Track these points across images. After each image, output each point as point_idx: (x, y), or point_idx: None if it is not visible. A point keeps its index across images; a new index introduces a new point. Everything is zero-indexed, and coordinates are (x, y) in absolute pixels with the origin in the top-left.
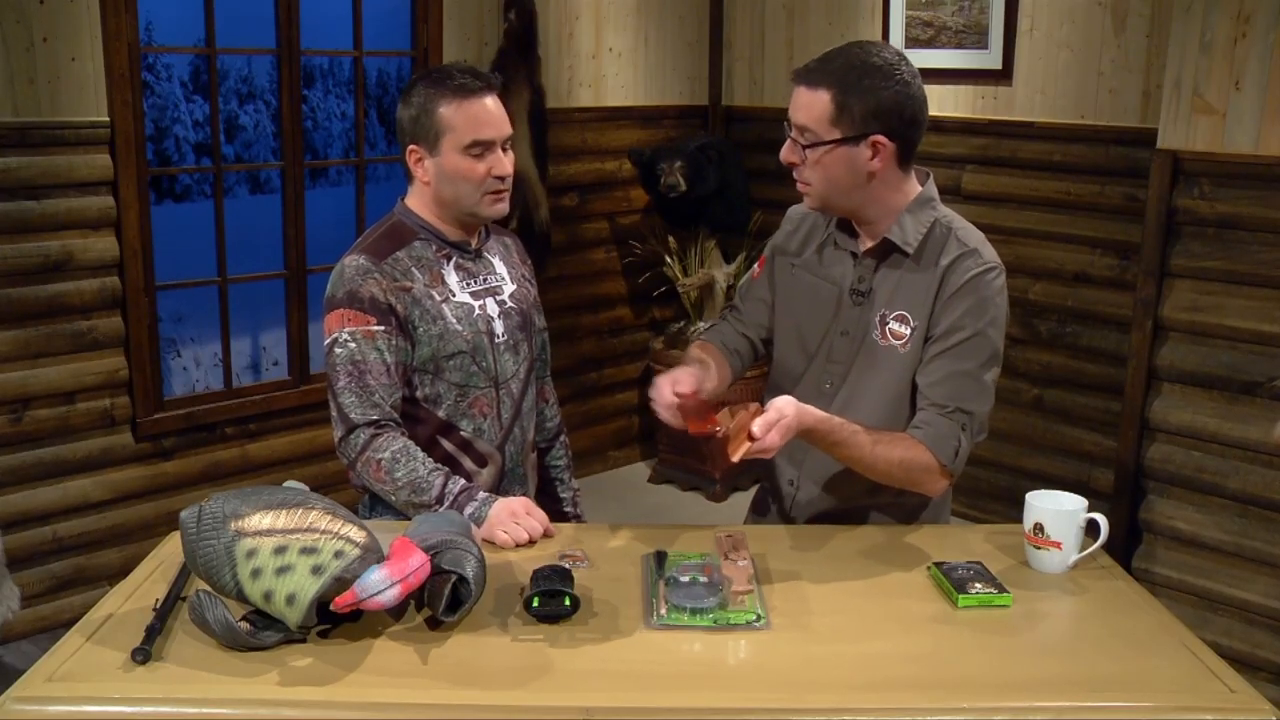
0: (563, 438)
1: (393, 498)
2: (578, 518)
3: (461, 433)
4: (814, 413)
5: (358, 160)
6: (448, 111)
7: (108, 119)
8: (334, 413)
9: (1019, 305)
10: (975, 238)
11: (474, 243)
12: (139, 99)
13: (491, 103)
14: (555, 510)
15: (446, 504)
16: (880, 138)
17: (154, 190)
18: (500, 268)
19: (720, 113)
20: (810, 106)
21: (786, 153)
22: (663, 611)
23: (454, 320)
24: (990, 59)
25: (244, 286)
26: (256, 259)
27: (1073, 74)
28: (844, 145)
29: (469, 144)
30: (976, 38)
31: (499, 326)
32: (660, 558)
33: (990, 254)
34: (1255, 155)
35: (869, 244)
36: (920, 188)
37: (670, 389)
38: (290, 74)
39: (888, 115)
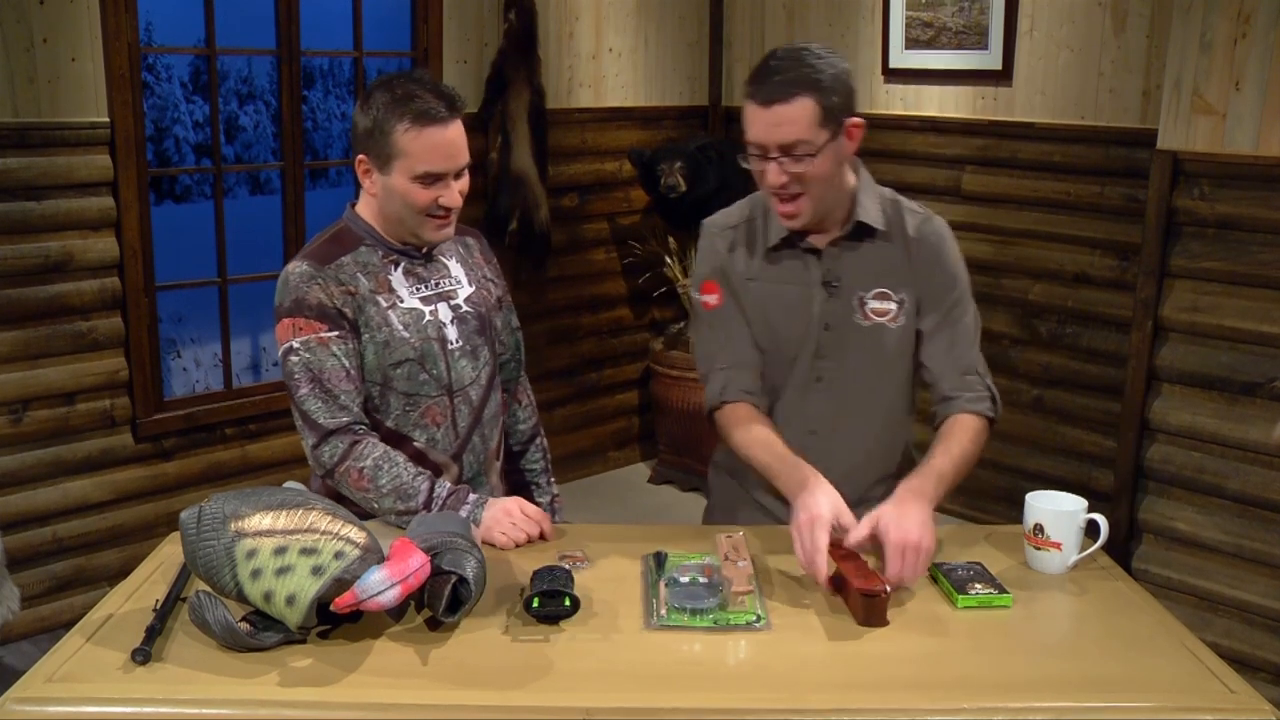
0: (539, 440)
1: (375, 505)
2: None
3: (414, 444)
4: (923, 492)
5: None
6: (404, 136)
7: (108, 119)
8: (299, 421)
9: (1019, 306)
10: (917, 204)
11: (423, 247)
12: (139, 99)
13: (452, 131)
14: None
15: (436, 509)
16: (855, 119)
17: (154, 191)
18: (456, 269)
19: (720, 113)
20: (797, 120)
21: (776, 176)
22: (663, 612)
23: (400, 327)
24: (990, 59)
25: (244, 287)
26: (256, 259)
27: (1073, 74)
28: (832, 142)
29: (421, 174)
30: (976, 38)
31: (452, 333)
32: (660, 559)
33: (936, 215)
34: (1255, 155)
35: (833, 235)
36: (855, 174)
37: (817, 551)
38: (290, 74)
39: (850, 95)
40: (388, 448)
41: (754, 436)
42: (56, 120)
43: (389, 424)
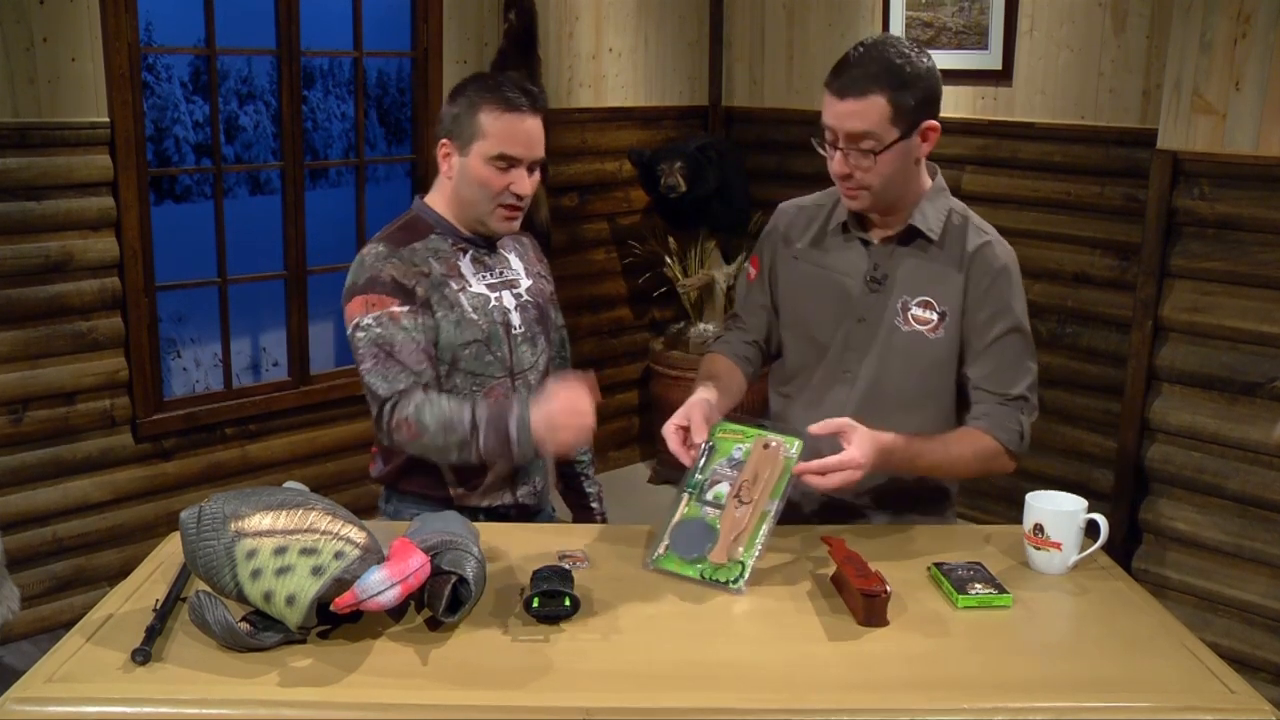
0: None
1: (434, 449)
2: (602, 515)
3: None
4: (885, 438)
5: (358, 161)
6: (488, 118)
7: (108, 119)
8: (367, 395)
9: None
10: (988, 226)
11: (490, 237)
12: (139, 99)
13: (532, 123)
14: (580, 506)
15: (483, 431)
16: (932, 123)
17: (154, 191)
18: (516, 263)
19: (720, 113)
20: (866, 113)
21: (840, 165)
22: (661, 550)
23: (470, 309)
24: (990, 59)
25: (244, 287)
26: (256, 259)
27: (1073, 74)
28: (902, 140)
29: (497, 155)
30: (976, 38)
31: (515, 319)
32: (710, 450)
33: (1004, 241)
34: (1255, 155)
35: (888, 232)
36: (931, 179)
37: (676, 434)
38: (290, 74)
39: (933, 101)
40: (431, 393)
41: (701, 370)
42: (56, 120)
43: None
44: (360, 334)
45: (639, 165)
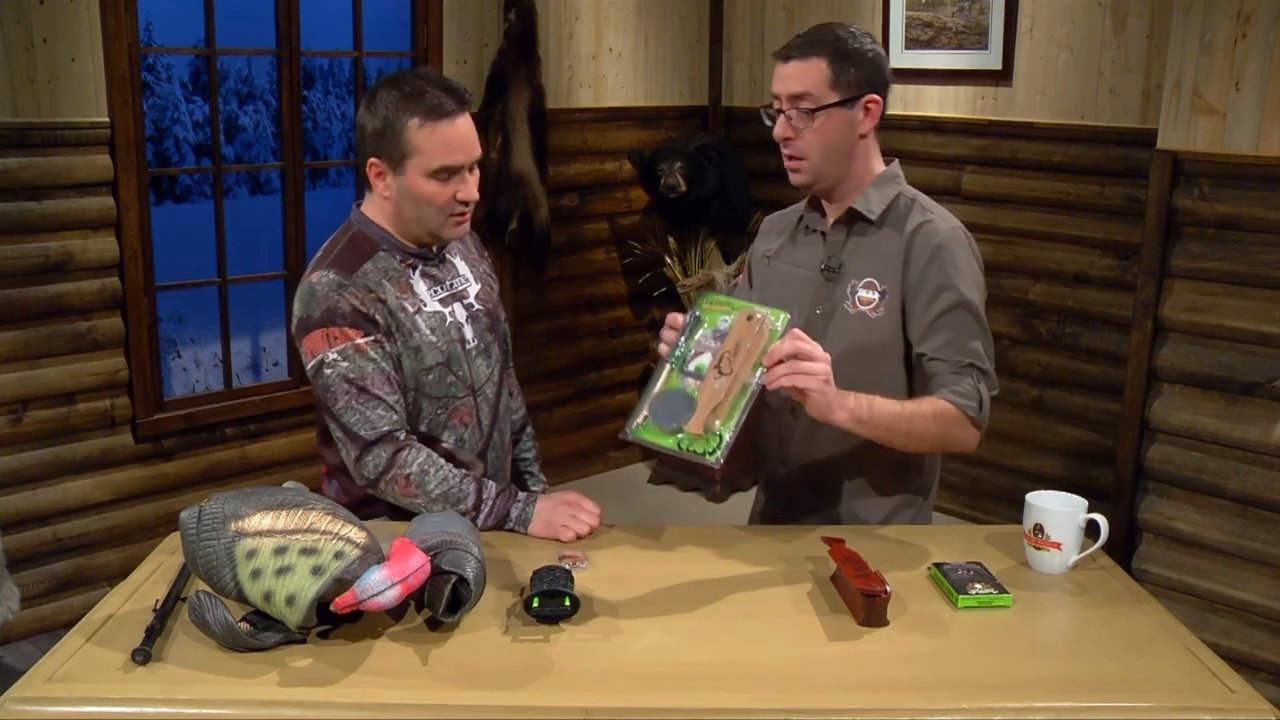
0: (529, 429)
1: (423, 510)
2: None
3: (443, 444)
4: (849, 397)
5: (357, 161)
6: (417, 133)
7: (108, 119)
8: (339, 434)
9: (1019, 306)
10: (937, 208)
11: (435, 246)
12: (139, 99)
13: (463, 124)
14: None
15: (485, 509)
16: (874, 97)
17: (154, 191)
18: (463, 268)
19: (720, 113)
20: (807, 74)
21: (782, 128)
22: (640, 420)
23: (428, 332)
24: (990, 59)
25: (244, 287)
26: (256, 259)
27: (1073, 74)
28: (841, 107)
29: (437, 169)
30: (976, 38)
31: (468, 332)
32: (696, 321)
33: (953, 219)
34: (1255, 155)
35: (838, 214)
36: (885, 167)
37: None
38: (290, 74)
39: (876, 76)
40: (429, 450)
41: None
42: (56, 120)
43: (422, 429)
44: (328, 371)
45: (639, 165)
